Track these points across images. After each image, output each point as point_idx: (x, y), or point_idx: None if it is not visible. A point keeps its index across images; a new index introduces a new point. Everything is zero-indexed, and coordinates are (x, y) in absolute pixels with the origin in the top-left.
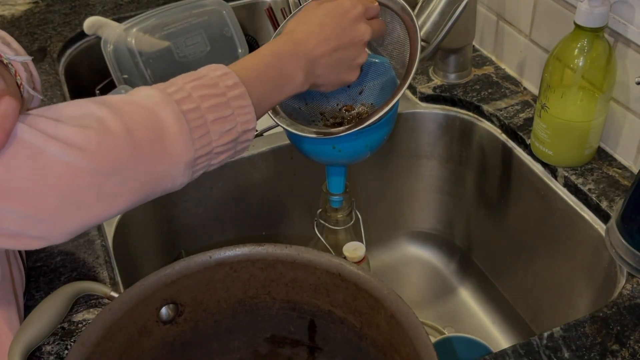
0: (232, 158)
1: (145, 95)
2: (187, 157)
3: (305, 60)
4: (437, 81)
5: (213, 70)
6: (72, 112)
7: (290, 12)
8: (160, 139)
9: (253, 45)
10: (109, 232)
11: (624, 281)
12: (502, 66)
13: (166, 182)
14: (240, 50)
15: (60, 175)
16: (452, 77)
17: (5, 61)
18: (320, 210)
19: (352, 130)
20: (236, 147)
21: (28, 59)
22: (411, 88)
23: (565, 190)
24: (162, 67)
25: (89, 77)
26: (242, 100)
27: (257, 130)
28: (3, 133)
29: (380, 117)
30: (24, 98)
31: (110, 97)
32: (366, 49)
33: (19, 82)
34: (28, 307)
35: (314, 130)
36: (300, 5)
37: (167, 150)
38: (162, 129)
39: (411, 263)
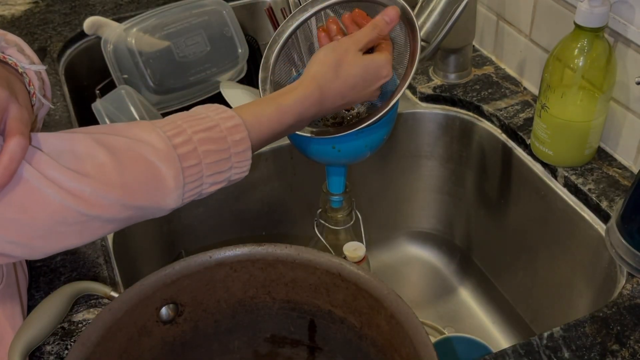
0: None
1: (151, 145)
2: (174, 205)
3: (318, 116)
4: (437, 81)
5: (224, 120)
6: (78, 149)
7: (290, 12)
8: (154, 192)
9: (253, 45)
10: None
11: (624, 281)
12: (502, 66)
13: (147, 218)
14: (240, 50)
15: (51, 213)
16: (452, 77)
17: (20, 70)
18: (320, 210)
19: (352, 130)
20: (223, 186)
21: (42, 67)
22: (411, 88)
23: (565, 190)
24: (162, 67)
25: (89, 77)
26: (243, 155)
27: None
28: (8, 174)
29: (380, 117)
30: (35, 106)
31: (115, 140)
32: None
33: (31, 92)
34: (28, 307)
35: (314, 130)
36: (300, 4)
37: (157, 200)
38: (158, 183)
39: (411, 263)
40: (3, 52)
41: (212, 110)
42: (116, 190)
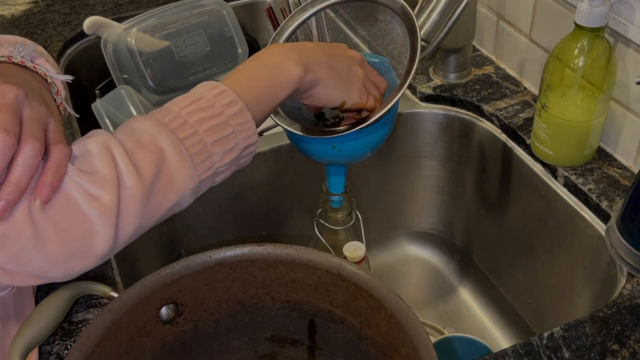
0: (236, 169)
1: (143, 131)
2: (191, 184)
3: (298, 52)
4: (437, 81)
5: (208, 90)
6: (91, 149)
7: (290, 12)
8: (164, 171)
9: (253, 45)
10: None
11: (624, 281)
12: (502, 66)
13: (174, 209)
14: (240, 50)
15: (83, 229)
16: (452, 77)
17: (49, 80)
18: (320, 210)
19: (352, 130)
20: (239, 161)
21: (69, 78)
22: (411, 88)
23: (565, 190)
24: (162, 67)
25: (89, 77)
26: (241, 117)
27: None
28: (58, 178)
29: (380, 116)
30: (61, 115)
31: (121, 135)
32: (361, 67)
33: (58, 101)
34: None
35: (314, 130)
36: (300, 4)
37: (172, 181)
38: (163, 160)
39: (411, 263)
40: (33, 62)
41: (199, 87)
42: (136, 189)
